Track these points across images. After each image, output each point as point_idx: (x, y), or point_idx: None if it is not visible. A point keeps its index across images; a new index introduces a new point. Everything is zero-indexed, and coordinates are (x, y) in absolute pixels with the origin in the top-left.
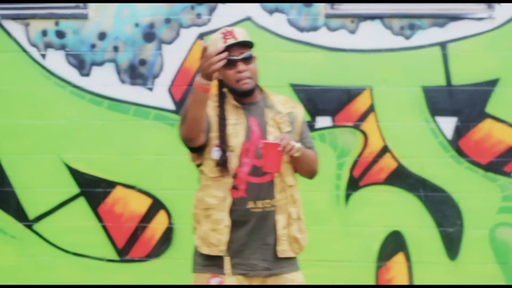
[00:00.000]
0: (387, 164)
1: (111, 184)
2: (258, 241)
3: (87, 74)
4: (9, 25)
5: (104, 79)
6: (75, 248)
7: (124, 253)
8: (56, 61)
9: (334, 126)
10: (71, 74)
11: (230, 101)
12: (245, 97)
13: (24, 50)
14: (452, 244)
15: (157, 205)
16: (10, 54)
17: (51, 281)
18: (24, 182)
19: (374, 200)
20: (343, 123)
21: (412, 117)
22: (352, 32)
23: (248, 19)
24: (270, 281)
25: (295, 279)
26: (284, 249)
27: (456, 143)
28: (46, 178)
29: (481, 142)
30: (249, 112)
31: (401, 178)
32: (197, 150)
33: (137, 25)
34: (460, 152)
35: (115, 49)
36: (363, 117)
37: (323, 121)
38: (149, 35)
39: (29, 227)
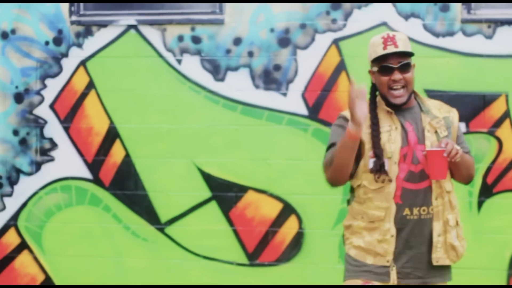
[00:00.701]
0: None
1: (243, 189)
2: (414, 249)
3: (221, 79)
4: (146, 30)
5: (238, 84)
6: (206, 252)
7: (254, 257)
8: (192, 66)
9: (468, 132)
10: (206, 79)
11: (383, 106)
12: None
13: (160, 55)
14: None
15: (288, 210)
16: (147, 59)
17: (182, 283)
18: (157, 185)
19: (508, 207)
20: (477, 129)
21: None
22: (489, 37)
23: (384, 24)
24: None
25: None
26: (439, 257)
27: None
28: (179, 182)
29: None
30: (403, 118)
31: None
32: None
33: (272, 30)
34: None
35: (250, 54)
36: (498, 123)
37: None
38: (284, 40)
39: (161, 230)
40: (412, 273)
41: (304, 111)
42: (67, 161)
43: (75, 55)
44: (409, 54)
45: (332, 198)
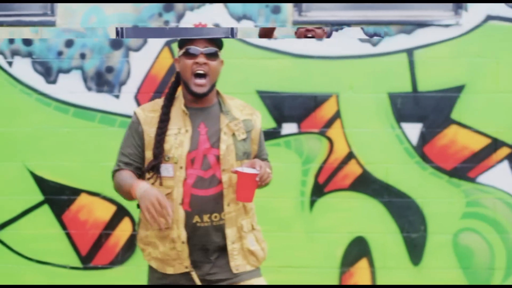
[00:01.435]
0: (352, 170)
1: (76, 192)
2: (213, 256)
3: (53, 82)
4: None
5: (70, 87)
6: (39, 256)
7: (87, 260)
8: (23, 68)
9: (300, 133)
10: (38, 81)
11: (180, 105)
12: (198, 99)
13: None
14: (415, 249)
15: (121, 212)
16: None
17: None
18: None
19: (339, 206)
20: (309, 129)
21: (377, 123)
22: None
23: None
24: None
25: (256, 283)
26: (238, 264)
27: (421, 149)
28: (10, 186)
29: (446, 148)
30: (199, 119)
31: (365, 184)
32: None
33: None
34: (425, 158)
35: (82, 56)
36: (329, 123)
37: (289, 127)
38: (116, 42)
39: None
40: (220, 279)
41: None
42: None
43: None
44: (218, 44)
45: None
